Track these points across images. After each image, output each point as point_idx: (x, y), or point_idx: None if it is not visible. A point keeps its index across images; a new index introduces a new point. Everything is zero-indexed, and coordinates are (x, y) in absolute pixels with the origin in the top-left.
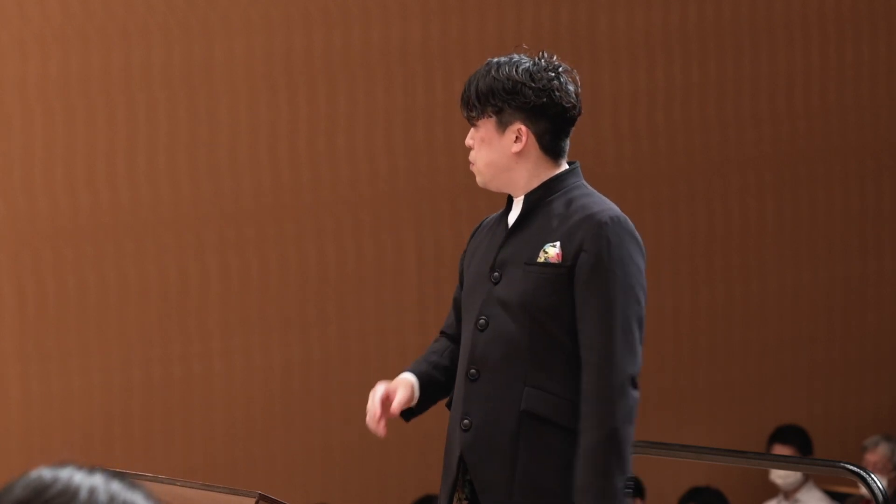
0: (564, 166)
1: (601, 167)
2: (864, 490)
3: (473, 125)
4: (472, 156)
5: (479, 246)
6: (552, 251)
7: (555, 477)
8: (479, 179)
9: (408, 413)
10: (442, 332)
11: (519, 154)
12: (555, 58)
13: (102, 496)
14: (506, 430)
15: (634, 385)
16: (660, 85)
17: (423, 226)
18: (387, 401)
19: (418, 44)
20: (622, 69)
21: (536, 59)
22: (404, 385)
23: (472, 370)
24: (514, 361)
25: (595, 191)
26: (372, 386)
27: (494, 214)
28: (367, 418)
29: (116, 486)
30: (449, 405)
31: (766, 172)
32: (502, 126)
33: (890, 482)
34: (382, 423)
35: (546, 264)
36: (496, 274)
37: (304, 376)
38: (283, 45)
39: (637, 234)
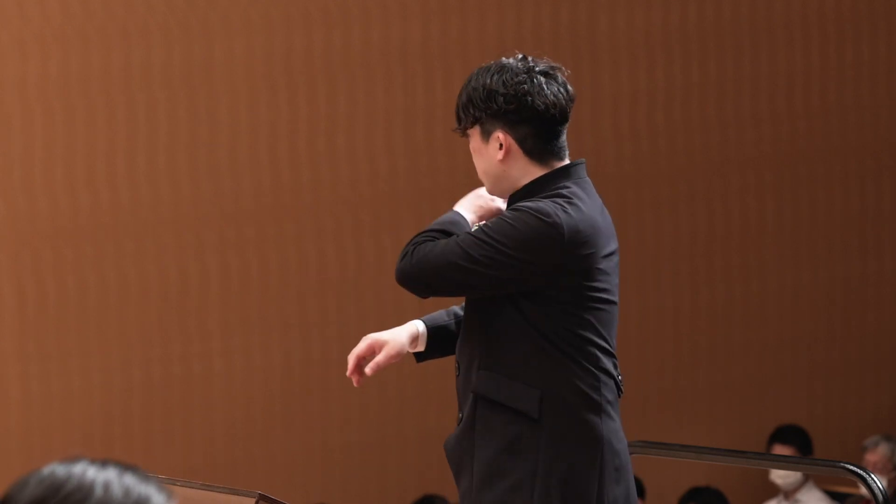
0: (558, 166)
1: (601, 167)
2: (864, 490)
3: (465, 136)
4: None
5: None
6: None
7: (506, 459)
8: (486, 188)
9: (418, 355)
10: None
11: (503, 161)
12: (530, 59)
13: (117, 490)
14: (468, 417)
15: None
16: (660, 85)
17: (423, 226)
18: (371, 355)
19: (418, 44)
20: (622, 69)
21: (514, 61)
22: (394, 343)
23: (456, 364)
24: (474, 348)
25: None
26: (371, 386)
27: None
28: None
29: (130, 480)
30: None
31: (766, 172)
32: (486, 135)
33: (890, 482)
34: (356, 376)
35: None
36: None
37: (304, 376)
38: (283, 45)
39: (556, 222)
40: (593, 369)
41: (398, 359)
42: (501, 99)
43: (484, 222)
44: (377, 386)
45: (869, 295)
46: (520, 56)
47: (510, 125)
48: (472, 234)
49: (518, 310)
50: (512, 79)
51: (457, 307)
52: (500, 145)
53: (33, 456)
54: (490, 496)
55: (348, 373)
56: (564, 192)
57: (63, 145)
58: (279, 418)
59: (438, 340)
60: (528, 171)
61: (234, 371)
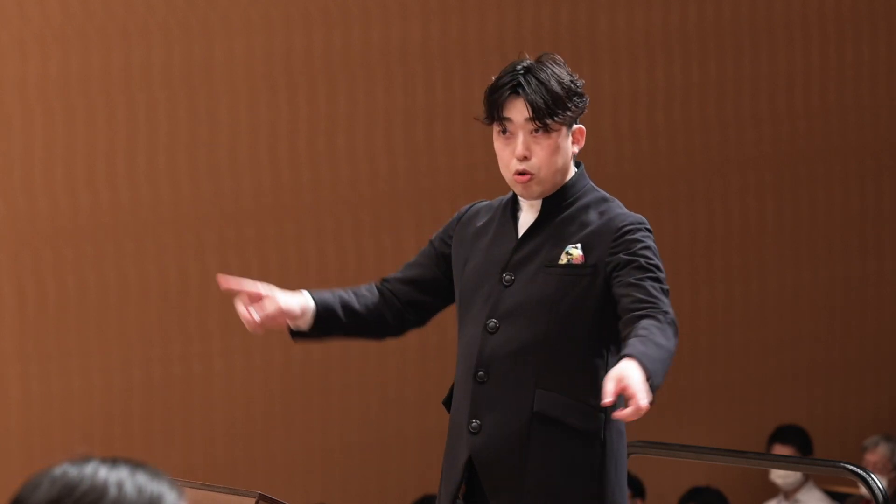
0: (574, 168)
1: (601, 167)
2: (864, 490)
3: (545, 133)
4: (533, 165)
5: (478, 248)
6: (575, 252)
7: (565, 480)
8: (537, 190)
9: (296, 333)
10: (381, 281)
11: (572, 156)
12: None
13: (130, 489)
14: (517, 432)
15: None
16: (660, 85)
17: (423, 226)
18: (256, 300)
19: (418, 44)
20: (622, 69)
21: (553, 59)
22: (283, 300)
23: (481, 372)
24: (527, 364)
25: (606, 193)
26: (372, 386)
27: (486, 206)
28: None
29: (142, 478)
30: (445, 404)
31: (766, 172)
32: (568, 130)
33: (890, 482)
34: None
35: (569, 265)
36: (508, 276)
37: (304, 376)
38: (283, 45)
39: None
40: None
41: (276, 316)
42: (582, 93)
43: (642, 253)
44: (377, 386)
45: (869, 295)
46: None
47: (579, 120)
48: (658, 279)
49: (596, 337)
50: (573, 74)
51: (343, 291)
52: (577, 140)
53: (33, 456)
54: None
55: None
56: (606, 194)
57: (63, 145)
58: (279, 418)
59: (323, 322)
60: (569, 169)
61: (234, 371)
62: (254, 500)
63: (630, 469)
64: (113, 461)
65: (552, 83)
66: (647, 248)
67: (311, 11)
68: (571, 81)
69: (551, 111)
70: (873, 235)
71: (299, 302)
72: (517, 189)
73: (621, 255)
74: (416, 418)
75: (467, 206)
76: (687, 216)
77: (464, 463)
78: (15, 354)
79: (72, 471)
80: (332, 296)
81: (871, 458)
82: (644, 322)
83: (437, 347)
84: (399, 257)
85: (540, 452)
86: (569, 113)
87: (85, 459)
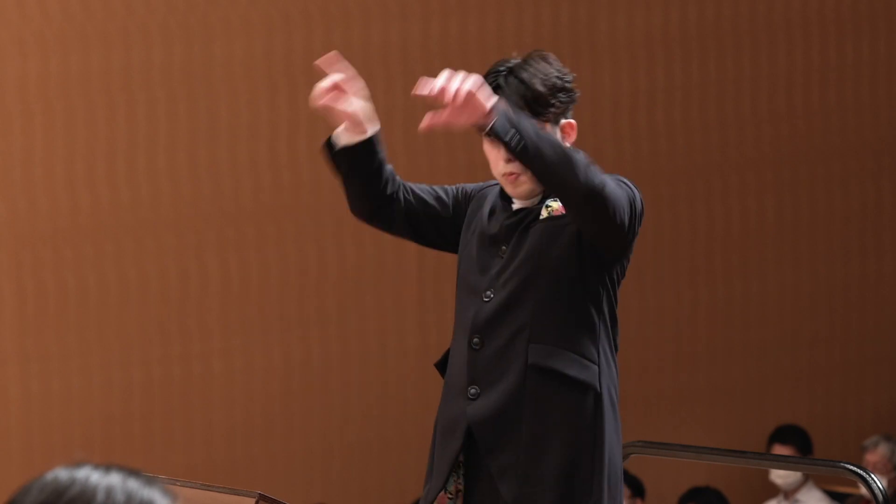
0: None
1: (601, 167)
2: (864, 490)
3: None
4: (518, 166)
5: (481, 223)
6: (554, 205)
7: (561, 429)
8: (525, 189)
9: (331, 147)
10: (403, 183)
11: None
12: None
13: (120, 496)
14: (513, 387)
15: (633, 214)
16: (660, 85)
17: None
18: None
19: (418, 44)
20: (622, 69)
21: (540, 56)
22: (359, 104)
23: (476, 339)
24: (519, 320)
25: None
26: (371, 386)
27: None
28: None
29: (133, 484)
30: (438, 367)
31: (766, 172)
32: (555, 126)
33: (890, 482)
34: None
35: (549, 218)
36: (504, 247)
37: (304, 376)
38: (283, 45)
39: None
40: (615, 346)
41: (345, 107)
42: (571, 87)
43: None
44: (378, 385)
45: (869, 295)
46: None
47: (569, 114)
48: (618, 178)
49: (582, 287)
50: (563, 67)
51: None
52: (566, 135)
53: (33, 456)
54: (548, 466)
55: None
56: None
57: (63, 145)
58: (279, 418)
59: (366, 150)
60: None
61: (234, 371)
62: (254, 500)
63: (630, 469)
64: (107, 467)
65: (534, 81)
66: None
67: (311, 11)
68: (558, 77)
69: (532, 110)
70: (873, 235)
71: (368, 117)
72: (508, 189)
73: None
74: (416, 418)
75: (483, 182)
76: (687, 216)
77: (464, 428)
78: (15, 354)
79: (63, 475)
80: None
81: (871, 458)
82: None
83: (438, 347)
84: (399, 257)
85: (535, 402)
86: (552, 110)
87: (78, 464)
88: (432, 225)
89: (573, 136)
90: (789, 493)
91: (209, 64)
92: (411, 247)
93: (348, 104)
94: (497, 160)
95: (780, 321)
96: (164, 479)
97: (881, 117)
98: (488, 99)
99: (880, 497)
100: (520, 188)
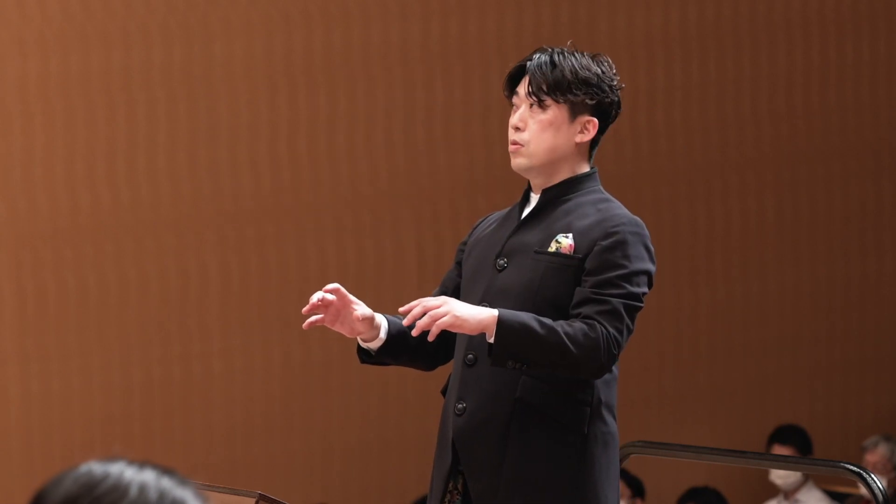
0: (588, 168)
1: (601, 167)
2: (864, 490)
3: (540, 107)
4: (523, 137)
5: (483, 238)
6: (565, 241)
7: (542, 472)
8: (522, 161)
9: (365, 354)
10: None
11: (578, 145)
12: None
13: (153, 493)
14: (498, 417)
15: (609, 361)
16: (660, 85)
17: (423, 226)
18: (338, 295)
19: (418, 44)
20: (622, 69)
21: (597, 57)
22: (361, 309)
23: (470, 355)
24: None
25: (612, 197)
26: (371, 387)
27: (500, 212)
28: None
29: (167, 483)
30: (443, 392)
31: (766, 172)
32: (573, 115)
33: (890, 482)
34: (313, 317)
35: (557, 254)
36: (502, 261)
37: (304, 376)
38: (283, 45)
39: (650, 242)
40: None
41: (370, 326)
42: (608, 89)
43: (614, 273)
44: (378, 386)
45: (869, 295)
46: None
47: (598, 114)
48: (624, 296)
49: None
50: (612, 73)
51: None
52: (582, 129)
53: (33, 456)
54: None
55: (311, 305)
56: (610, 196)
57: (63, 145)
58: (279, 418)
59: (396, 344)
60: (582, 163)
61: (234, 371)
62: (254, 500)
63: (630, 469)
64: (141, 464)
65: (564, 67)
66: (627, 257)
67: (311, 11)
68: (597, 74)
69: (550, 88)
70: (873, 235)
71: (377, 320)
72: (511, 159)
73: (596, 267)
74: (416, 418)
75: (481, 219)
76: (687, 216)
77: (451, 446)
78: (15, 354)
79: (97, 469)
80: (396, 320)
81: (870, 458)
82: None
83: None
84: (399, 257)
85: (519, 441)
86: (570, 96)
87: (113, 459)
88: None
89: (589, 134)
90: (789, 493)
91: (209, 64)
92: (411, 247)
93: (356, 309)
94: (509, 130)
95: (780, 321)
96: None
97: (881, 117)
98: (490, 323)
99: (880, 497)
100: (519, 160)
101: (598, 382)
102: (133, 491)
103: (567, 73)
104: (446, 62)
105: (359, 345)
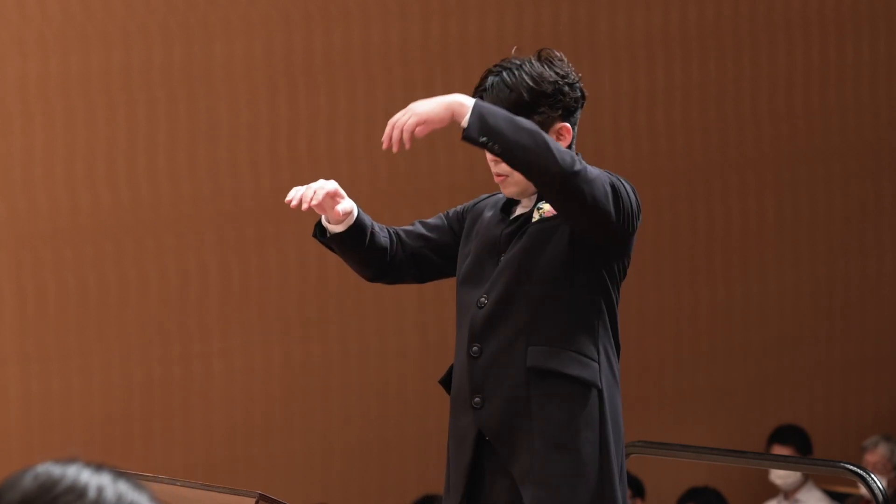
0: None
1: (601, 167)
2: (864, 490)
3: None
4: (504, 169)
5: (481, 232)
6: (545, 206)
7: (569, 429)
8: (514, 190)
9: (321, 233)
10: (395, 230)
11: None
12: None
13: (110, 495)
14: (517, 393)
15: (606, 196)
16: (660, 85)
17: None
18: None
19: (418, 44)
20: (622, 69)
21: (545, 56)
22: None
23: (475, 347)
24: (515, 325)
25: None
26: (371, 386)
27: (495, 198)
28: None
29: (123, 486)
30: (441, 383)
31: (766, 172)
32: (545, 129)
33: (890, 482)
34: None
35: (541, 220)
36: (502, 257)
37: (304, 376)
38: (283, 45)
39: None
40: (617, 345)
41: (325, 208)
42: (569, 90)
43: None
44: (378, 386)
45: (869, 295)
46: (540, 52)
47: (567, 117)
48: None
49: (578, 287)
50: (566, 69)
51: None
52: (559, 138)
53: (33, 456)
54: (562, 469)
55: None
56: None
57: (63, 145)
58: (279, 418)
59: (356, 230)
60: None
61: (234, 371)
62: (254, 500)
63: (630, 469)
64: (98, 466)
65: (520, 87)
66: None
67: (311, 11)
68: (554, 81)
69: (535, 105)
70: (873, 235)
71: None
72: (501, 189)
73: None
74: (416, 419)
75: (483, 195)
76: (687, 216)
77: (473, 439)
78: (15, 354)
79: (54, 470)
80: (368, 218)
81: (870, 458)
82: None
83: (437, 348)
84: None
85: (542, 406)
86: (535, 117)
87: (70, 460)
88: (442, 253)
89: (567, 140)
90: (789, 493)
91: (209, 64)
92: None
93: (341, 205)
94: (490, 161)
95: (780, 321)
96: (164, 479)
97: (881, 117)
98: (459, 104)
99: (880, 497)
100: (508, 189)
101: (601, 345)
102: (91, 493)
103: (524, 93)
104: (446, 62)
105: (319, 221)
